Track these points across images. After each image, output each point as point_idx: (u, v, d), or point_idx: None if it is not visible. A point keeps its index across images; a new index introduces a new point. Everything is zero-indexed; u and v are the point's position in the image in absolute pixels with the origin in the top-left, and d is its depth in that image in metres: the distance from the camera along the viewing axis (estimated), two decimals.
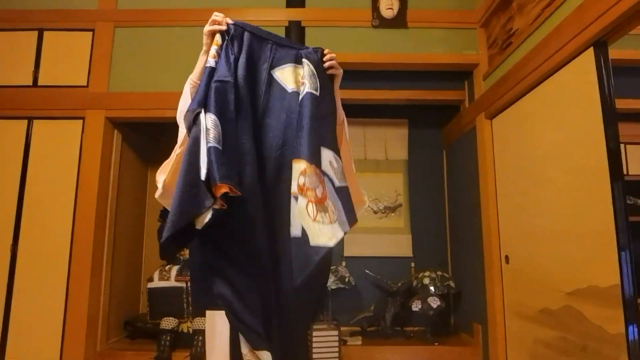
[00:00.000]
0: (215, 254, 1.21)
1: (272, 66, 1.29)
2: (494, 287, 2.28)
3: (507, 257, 2.21)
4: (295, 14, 2.59)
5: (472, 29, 2.59)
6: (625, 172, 2.51)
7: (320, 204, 1.16)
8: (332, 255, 1.27)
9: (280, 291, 1.23)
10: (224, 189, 1.05)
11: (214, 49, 1.22)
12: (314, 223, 1.13)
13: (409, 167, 3.23)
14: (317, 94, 1.26)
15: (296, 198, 1.16)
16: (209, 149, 1.07)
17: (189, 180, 1.07)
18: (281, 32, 2.56)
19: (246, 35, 1.28)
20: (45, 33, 2.63)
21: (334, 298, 2.87)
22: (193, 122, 1.13)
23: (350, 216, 1.19)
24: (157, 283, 2.49)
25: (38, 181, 2.46)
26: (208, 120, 1.11)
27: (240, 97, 1.21)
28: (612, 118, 1.52)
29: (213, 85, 1.16)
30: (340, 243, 3.08)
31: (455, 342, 2.66)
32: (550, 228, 1.84)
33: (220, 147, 1.09)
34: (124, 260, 2.77)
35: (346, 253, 3.07)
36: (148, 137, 3.11)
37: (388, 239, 3.11)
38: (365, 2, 2.60)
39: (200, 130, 1.11)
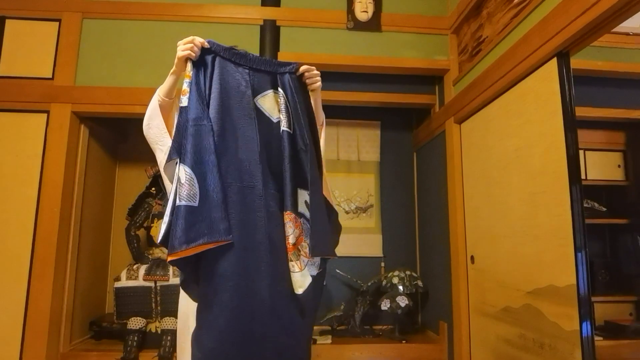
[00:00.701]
0: (204, 295, 1.16)
1: (254, 94, 1.26)
2: (459, 287, 2.36)
3: (472, 258, 2.29)
4: (270, 12, 2.58)
5: (444, 35, 2.66)
6: (583, 176, 2.65)
7: (294, 250, 1.21)
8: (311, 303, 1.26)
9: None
10: (176, 256, 1.04)
11: (185, 83, 1.17)
12: (291, 273, 1.20)
13: (381, 168, 3.28)
14: (291, 131, 1.26)
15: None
16: (177, 208, 1.06)
17: None
18: (256, 31, 2.55)
19: (220, 61, 1.23)
20: (8, 21, 2.51)
21: None
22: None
23: (323, 249, 1.26)
24: (124, 282, 2.43)
25: None
26: (182, 174, 1.08)
27: (226, 134, 1.18)
28: (572, 125, 1.59)
29: (188, 129, 1.12)
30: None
31: (422, 340, 2.73)
32: (512, 230, 1.91)
33: (195, 204, 1.07)
34: (89, 258, 2.70)
35: None
36: (116, 132, 3.03)
37: (359, 238, 3.15)
38: (341, 4, 2.62)
39: (175, 186, 1.10)
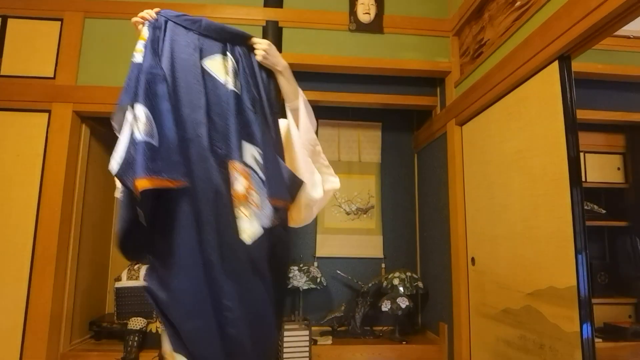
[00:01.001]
0: (156, 247, 1.21)
1: (202, 57, 1.28)
2: (460, 288, 2.36)
3: (473, 259, 2.30)
4: (272, 13, 2.59)
5: (446, 37, 2.66)
6: (583, 179, 2.67)
7: (242, 199, 1.20)
8: (266, 254, 1.22)
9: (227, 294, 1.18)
10: (146, 182, 1.02)
11: (140, 44, 1.19)
12: (237, 220, 1.18)
13: (382, 169, 3.29)
14: (238, 91, 1.28)
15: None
16: (138, 143, 1.05)
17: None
18: (258, 32, 2.55)
19: (170, 25, 1.27)
20: (10, 20, 2.51)
21: (306, 298, 2.90)
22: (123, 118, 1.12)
23: (280, 193, 1.23)
24: (125, 282, 2.44)
25: None
26: (139, 113, 1.07)
27: (174, 89, 1.20)
28: (573, 128, 1.60)
29: (141, 77, 1.12)
30: (312, 244, 3.11)
31: (422, 341, 2.74)
32: (513, 232, 1.92)
33: (155, 143, 1.06)
34: (90, 258, 2.69)
35: (318, 254, 3.09)
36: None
37: (360, 240, 3.15)
38: (343, 6, 2.63)
39: (131, 122, 1.08)
